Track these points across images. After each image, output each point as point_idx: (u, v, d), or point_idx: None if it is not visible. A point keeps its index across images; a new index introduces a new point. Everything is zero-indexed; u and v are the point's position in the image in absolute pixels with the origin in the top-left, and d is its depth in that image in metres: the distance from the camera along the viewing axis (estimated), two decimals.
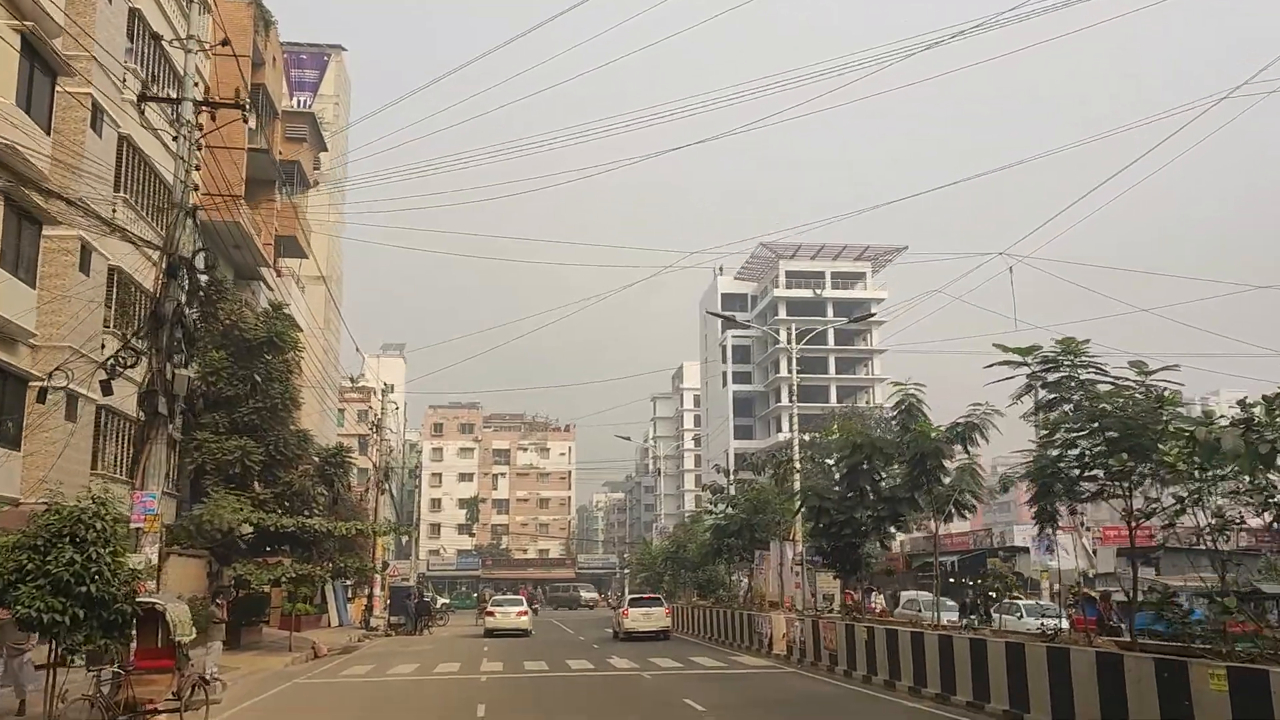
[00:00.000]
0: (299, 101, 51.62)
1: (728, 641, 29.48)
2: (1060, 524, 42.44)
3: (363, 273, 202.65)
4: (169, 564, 24.20)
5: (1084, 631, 13.81)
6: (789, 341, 27.25)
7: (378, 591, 41.96)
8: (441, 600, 67.58)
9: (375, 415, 43.66)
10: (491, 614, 37.44)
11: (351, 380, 75.00)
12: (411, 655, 28.47)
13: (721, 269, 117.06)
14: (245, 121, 17.53)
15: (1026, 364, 12.58)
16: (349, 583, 47.51)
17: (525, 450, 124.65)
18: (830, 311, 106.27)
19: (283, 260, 42.14)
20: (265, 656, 25.87)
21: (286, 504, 28.54)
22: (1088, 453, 11.83)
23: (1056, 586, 40.17)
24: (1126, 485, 11.86)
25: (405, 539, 68.07)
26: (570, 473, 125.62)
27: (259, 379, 23.74)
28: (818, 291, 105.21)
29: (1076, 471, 12.21)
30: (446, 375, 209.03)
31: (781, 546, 27.30)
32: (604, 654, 27.32)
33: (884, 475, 21.17)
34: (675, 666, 22.85)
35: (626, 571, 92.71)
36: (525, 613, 37.71)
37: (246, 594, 29.07)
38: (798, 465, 26.37)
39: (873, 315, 25.63)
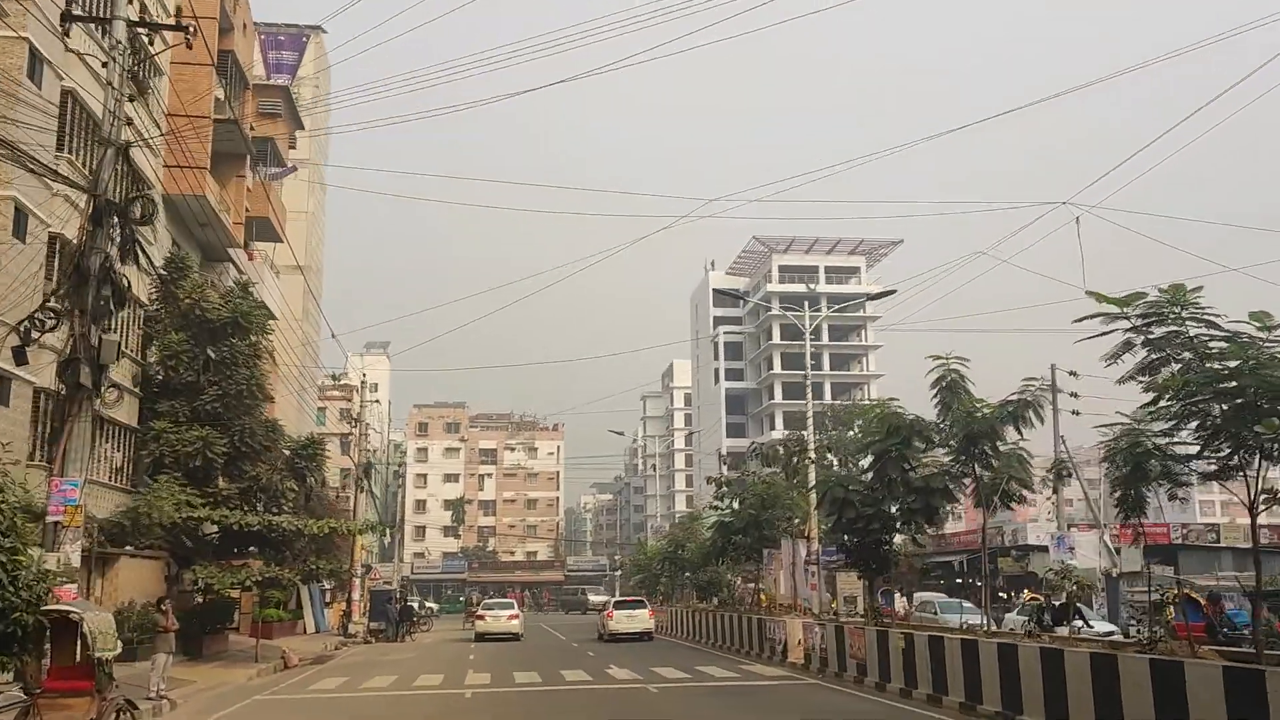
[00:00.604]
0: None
1: (734, 648, 27.25)
2: (1077, 523, 39.97)
3: (344, 269, 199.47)
4: (119, 566, 21.88)
5: (1187, 640, 11.62)
6: (804, 323, 24.99)
7: (356, 596, 39.55)
8: (428, 605, 65.20)
9: (355, 409, 41.25)
10: (482, 618, 36.81)
11: (333, 378, 72.54)
12: (390, 665, 26.16)
13: (714, 264, 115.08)
14: (189, 46, 15.18)
15: (1126, 316, 10.38)
16: (327, 586, 45.14)
17: (513, 450, 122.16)
18: (824, 307, 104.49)
19: (255, 245, 39.74)
20: (228, 668, 23.50)
21: (256, 500, 26.24)
22: (1213, 422, 9.63)
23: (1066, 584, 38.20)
24: (1259, 459, 9.67)
25: (387, 540, 65.65)
26: (558, 473, 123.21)
27: (213, 355, 21.31)
28: (811, 286, 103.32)
29: (1195, 448, 10.00)
30: (431, 372, 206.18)
31: (794, 544, 25.11)
32: (600, 662, 25.07)
33: (914, 463, 19.03)
34: (682, 678, 20.61)
35: (618, 573, 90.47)
36: (516, 616, 37.05)
37: (210, 599, 26.76)
38: (813, 455, 24.14)
39: (893, 291, 23.38)
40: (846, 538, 20.36)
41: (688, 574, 40.73)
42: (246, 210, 35.78)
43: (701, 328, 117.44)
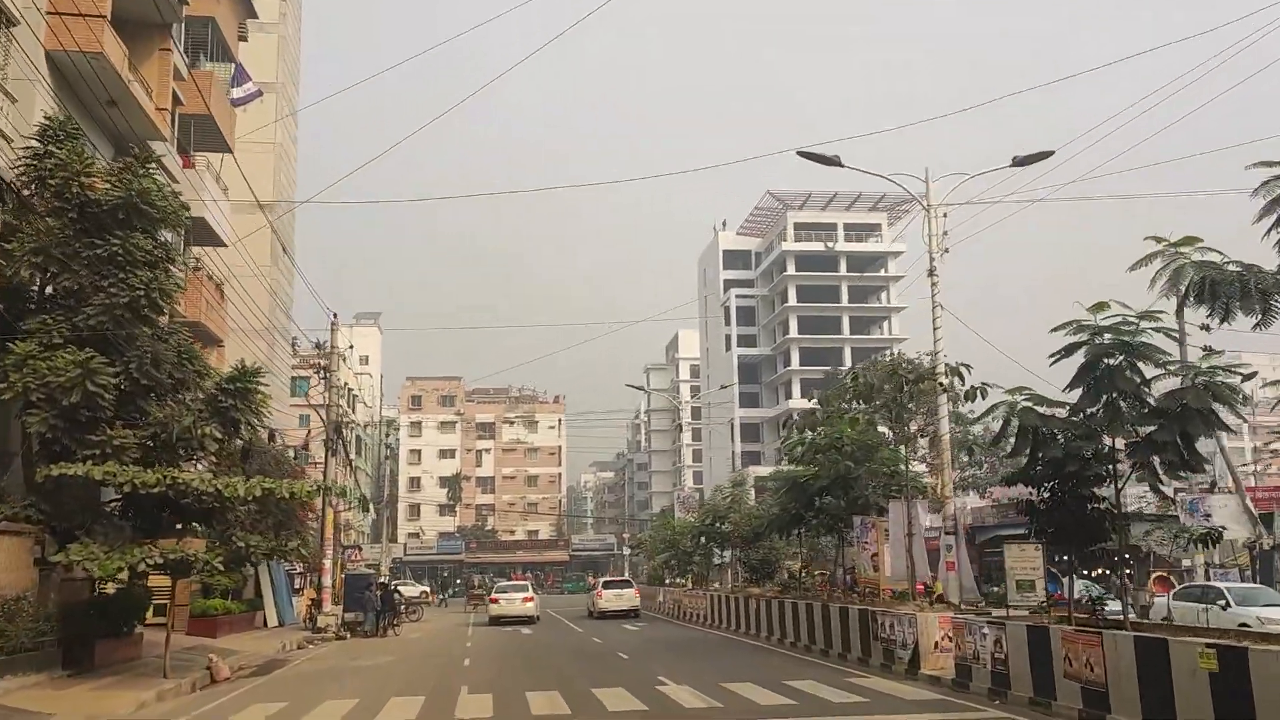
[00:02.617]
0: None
1: (821, 649, 20.24)
2: (1207, 483, 32.15)
3: (325, 230, 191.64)
4: None
5: None
6: (927, 200, 17.37)
7: (328, 581, 32.49)
8: (419, 588, 58.32)
9: (325, 348, 34.05)
10: (496, 601, 36.37)
11: (317, 347, 65.39)
12: (357, 677, 19.25)
13: (725, 224, 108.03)
14: None
15: None
16: (298, 570, 38.18)
17: (511, 424, 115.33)
18: (844, 266, 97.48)
19: (200, 155, 32.51)
20: (118, 688, 16.48)
21: (174, 453, 19.15)
22: None
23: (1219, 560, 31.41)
24: None
25: (372, 517, 58.71)
26: (560, 448, 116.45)
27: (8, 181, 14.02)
28: (830, 244, 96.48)
29: None
30: (425, 349, 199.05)
31: (910, 507, 18.07)
32: (642, 671, 18.15)
33: (1160, 371, 12.05)
34: (781, 704, 13.67)
35: (628, 553, 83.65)
36: (531, 599, 36.39)
37: (115, 589, 19.87)
38: (944, 382, 17.03)
39: (1050, 153, 16.55)
40: (1035, 493, 13.34)
41: (730, 551, 33.78)
42: (179, 103, 28.60)
43: (710, 293, 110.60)
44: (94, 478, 16.55)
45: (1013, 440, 13.04)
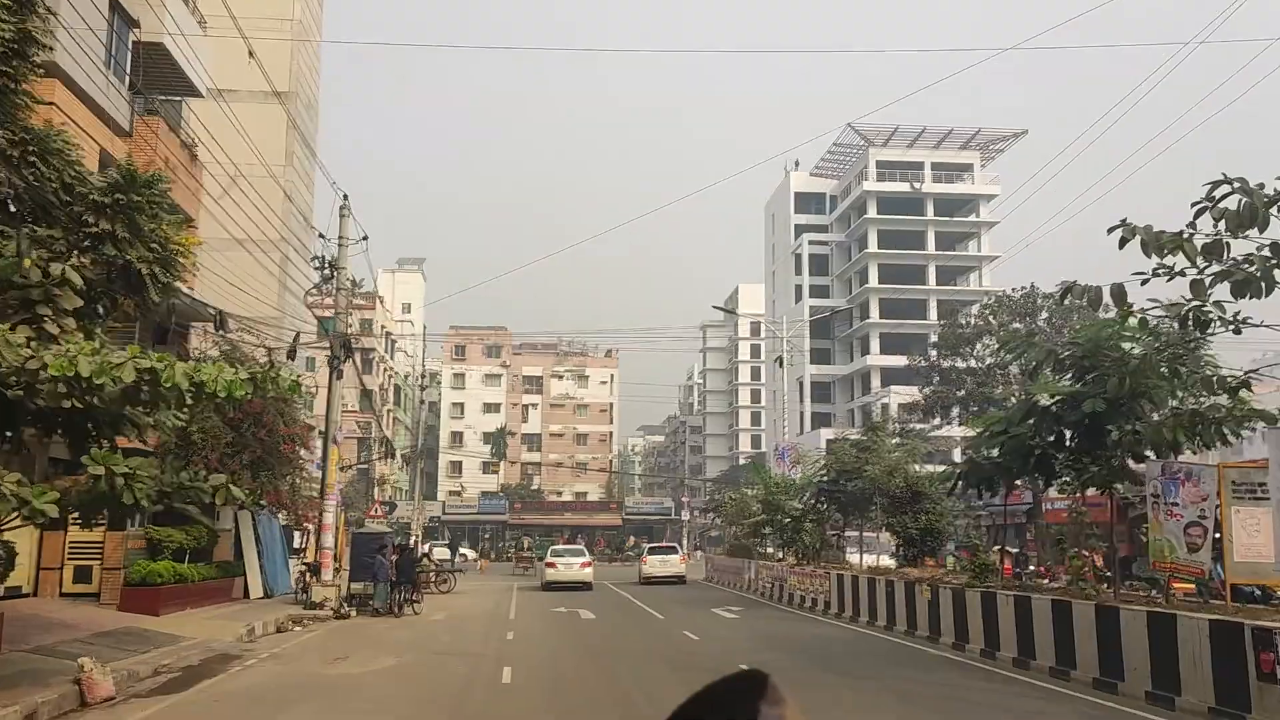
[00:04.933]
0: None
1: (1095, 680, 12.02)
2: None
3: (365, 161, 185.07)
4: None
5: None
6: None
7: (329, 543, 24.73)
8: (463, 552, 51.11)
9: (334, 251, 26.03)
10: (553, 565, 35.19)
11: (342, 278, 58.16)
12: (319, 707, 11.43)
13: (797, 164, 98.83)
14: None
15: None
16: (307, 525, 30.64)
17: (560, 378, 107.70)
18: (930, 210, 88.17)
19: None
20: None
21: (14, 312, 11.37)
22: None
23: None
24: None
25: (401, 465, 51.40)
26: (612, 405, 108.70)
27: None
28: (916, 185, 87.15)
29: None
30: (471, 295, 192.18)
31: None
32: (810, 712, 10.09)
33: None
34: None
35: (687, 517, 75.99)
36: (589, 564, 35.34)
37: None
38: None
39: None
40: None
41: (860, 516, 25.43)
42: None
43: (780, 240, 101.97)
44: None
45: None
